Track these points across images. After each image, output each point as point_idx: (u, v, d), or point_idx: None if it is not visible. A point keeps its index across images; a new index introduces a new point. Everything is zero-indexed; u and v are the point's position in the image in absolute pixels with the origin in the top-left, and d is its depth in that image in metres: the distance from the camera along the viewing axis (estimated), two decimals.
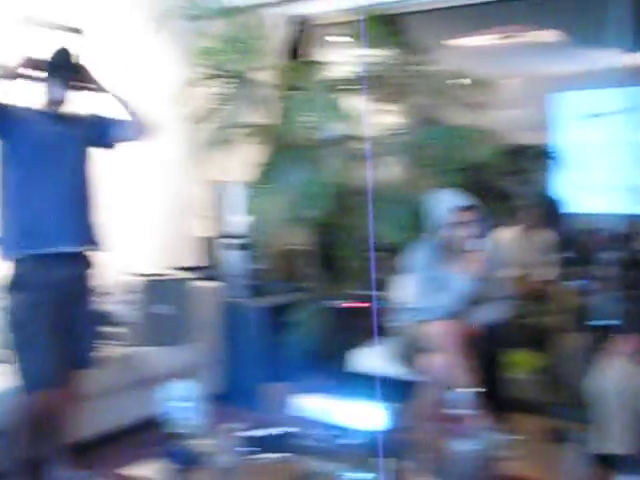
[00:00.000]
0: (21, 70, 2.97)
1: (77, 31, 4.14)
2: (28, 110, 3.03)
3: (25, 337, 2.91)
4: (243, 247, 4.40)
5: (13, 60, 2.95)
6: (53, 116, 3.07)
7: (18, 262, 2.93)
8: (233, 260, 4.43)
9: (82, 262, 3.11)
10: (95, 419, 3.45)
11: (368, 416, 2.73)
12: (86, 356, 3.14)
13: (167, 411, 2.73)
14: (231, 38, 4.06)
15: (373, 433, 2.65)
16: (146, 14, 4.32)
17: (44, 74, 3.00)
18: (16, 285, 2.93)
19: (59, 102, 3.05)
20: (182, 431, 2.66)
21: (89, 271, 3.14)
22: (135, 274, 3.98)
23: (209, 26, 4.21)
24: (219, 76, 4.20)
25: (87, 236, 3.08)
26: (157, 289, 3.89)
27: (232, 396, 4.18)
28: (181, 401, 2.69)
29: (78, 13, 4.20)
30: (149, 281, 3.89)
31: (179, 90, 4.16)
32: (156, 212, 4.80)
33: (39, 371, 2.88)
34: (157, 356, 3.83)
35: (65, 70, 3.03)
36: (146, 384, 3.71)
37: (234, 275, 4.41)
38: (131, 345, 3.74)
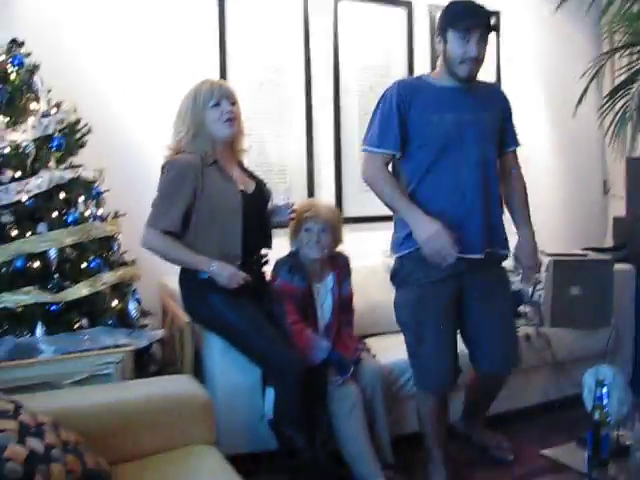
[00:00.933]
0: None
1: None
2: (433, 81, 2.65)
3: (425, 334, 2.74)
4: None
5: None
6: (465, 84, 2.61)
7: (413, 257, 2.68)
8: None
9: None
10: (505, 397, 3.46)
11: None
12: (508, 356, 2.92)
13: (584, 395, 2.65)
14: None
15: None
16: None
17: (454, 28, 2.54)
18: (410, 279, 2.74)
19: (476, 60, 2.56)
20: (599, 418, 2.55)
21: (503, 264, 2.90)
22: (545, 253, 3.90)
23: None
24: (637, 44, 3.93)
25: (500, 237, 2.79)
26: (569, 269, 3.76)
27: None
28: (599, 386, 2.57)
29: None
30: (561, 261, 3.77)
31: (592, 64, 4.00)
32: (568, 190, 4.69)
33: (437, 371, 2.77)
34: (568, 338, 3.72)
35: (487, 26, 2.55)
36: (558, 366, 3.67)
37: None
38: (541, 326, 3.68)
